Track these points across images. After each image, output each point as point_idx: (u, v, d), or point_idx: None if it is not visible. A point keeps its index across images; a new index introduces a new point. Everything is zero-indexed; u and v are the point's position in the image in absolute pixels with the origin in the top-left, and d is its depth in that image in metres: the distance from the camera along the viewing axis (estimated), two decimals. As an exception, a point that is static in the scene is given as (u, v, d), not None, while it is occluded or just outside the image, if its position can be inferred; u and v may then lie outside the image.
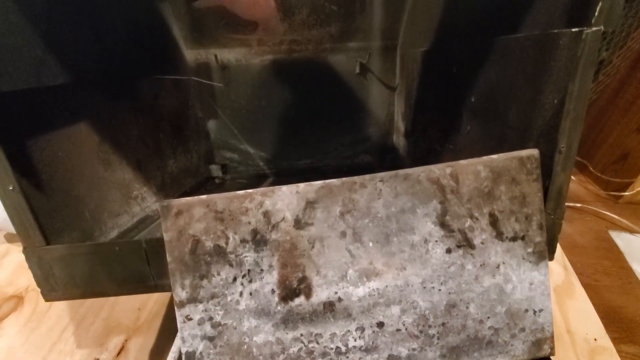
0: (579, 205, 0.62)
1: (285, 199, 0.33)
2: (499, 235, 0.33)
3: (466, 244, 0.33)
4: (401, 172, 0.34)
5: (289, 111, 0.66)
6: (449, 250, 0.33)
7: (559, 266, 0.52)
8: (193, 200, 0.32)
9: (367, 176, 0.34)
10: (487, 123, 0.43)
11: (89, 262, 0.37)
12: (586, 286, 0.49)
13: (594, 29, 0.29)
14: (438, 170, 0.33)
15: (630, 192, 0.61)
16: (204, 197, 0.32)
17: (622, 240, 0.57)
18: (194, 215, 0.32)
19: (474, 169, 0.33)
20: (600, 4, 0.29)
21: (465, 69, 0.45)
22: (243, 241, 0.32)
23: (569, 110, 0.31)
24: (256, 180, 0.69)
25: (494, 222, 0.33)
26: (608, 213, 0.60)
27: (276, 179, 0.69)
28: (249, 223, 0.32)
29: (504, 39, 0.39)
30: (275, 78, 0.63)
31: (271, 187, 0.33)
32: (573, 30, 0.31)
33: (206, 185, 0.67)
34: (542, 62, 0.34)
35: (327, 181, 0.34)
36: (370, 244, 0.33)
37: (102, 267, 0.37)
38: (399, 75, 0.63)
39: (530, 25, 0.36)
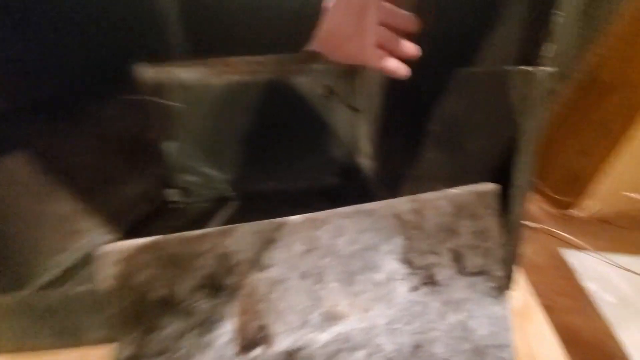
0: (533, 224, 0.65)
1: (243, 239, 0.31)
2: (462, 271, 0.33)
3: (430, 281, 0.32)
4: (365, 207, 0.33)
5: (253, 133, 0.64)
6: (413, 289, 0.32)
7: (518, 288, 0.54)
8: (137, 244, 0.29)
9: (329, 212, 0.33)
10: (449, 152, 0.44)
11: (19, 314, 0.32)
12: (545, 308, 0.50)
13: (545, 70, 0.30)
14: (401, 205, 0.33)
15: (579, 211, 0.65)
16: (150, 239, 0.30)
17: (575, 258, 0.60)
18: (138, 262, 0.29)
19: (436, 204, 0.32)
20: (550, 46, 0.30)
21: (427, 97, 0.46)
22: (196, 288, 0.30)
23: (523, 147, 0.32)
24: (219, 204, 0.65)
25: (456, 257, 0.33)
26: (560, 232, 0.63)
27: (240, 202, 0.66)
28: (203, 267, 0.30)
29: (463, 71, 0.40)
30: (239, 99, 0.61)
31: (228, 227, 0.31)
32: (525, 69, 0.32)
33: (164, 211, 0.62)
34: (497, 98, 0.35)
35: (288, 218, 0.32)
36: (333, 284, 0.32)
37: (34, 319, 0.33)
38: (363, 97, 0.63)
39: (486, 60, 0.37)
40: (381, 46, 0.36)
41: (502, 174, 0.36)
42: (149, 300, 0.29)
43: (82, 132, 0.47)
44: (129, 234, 0.56)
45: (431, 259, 0.32)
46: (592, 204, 0.64)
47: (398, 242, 0.32)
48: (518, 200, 0.34)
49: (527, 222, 0.67)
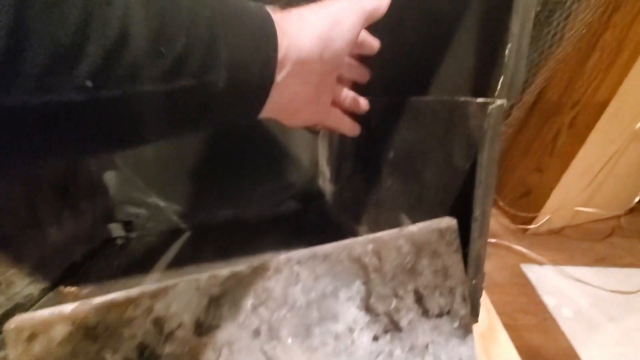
0: (493, 240, 0.66)
1: (182, 299, 0.27)
2: (425, 313, 0.31)
3: (393, 327, 0.30)
4: (320, 251, 0.30)
5: (206, 159, 0.59)
6: (375, 338, 0.30)
7: (483, 309, 0.53)
8: (52, 317, 0.25)
9: (282, 258, 0.30)
10: (406, 180, 0.42)
11: None
12: (507, 327, 0.50)
13: (498, 103, 0.29)
14: (359, 247, 0.30)
15: (535, 225, 0.67)
16: (67, 310, 0.25)
17: (533, 273, 0.61)
18: (54, 337, 0.24)
19: (395, 244, 0.30)
20: (502, 78, 0.29)
21: (382, 124, 0.45)
22: (125, 362, 0.25)
23: (480, 180, 0.31)
24: (169, 236, 0.60)
25: (419, 299, 0.31)
26: (519, 247, 0.64)
27: (193, 233, 0.61)
28: (134, 336, 0.26)
29: (416, 100, 0.39)
30: (187, 124, 0.56)
31: (164, 285, 0.27)
32: (478, 100, 0.31)
33: (105, 249, 0.56)
34: (452, 128, 0.34)
35: (234, 270, 0.28)
36: (289, 340, 0.29)
37: None
38: (322, 119, 0.61)
39: (439, 89, 0.37)
40: (335, 104, 0.35)
41: (460, 204, 0.35)
42: (66, 384, 0.24)
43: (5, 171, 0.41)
44: (66, 278, 0.49)
45: (393, 303, 0.30)
46: (546, 218, 0.66)
47: (358, 288, 0.30)
48: (478, 232, 0.33)
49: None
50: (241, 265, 0.29)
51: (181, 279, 0.28)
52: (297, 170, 0.64)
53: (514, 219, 0.72)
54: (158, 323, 0.26)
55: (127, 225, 0.59)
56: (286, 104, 0.28)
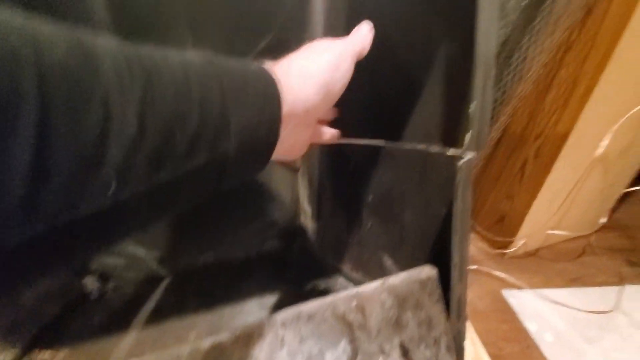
0: (474, 267, 0.68)
1: (160, 378, 0.26)
2: (412, 367, 0.31)
3: (381, 384, 0.30)
4: (304, 311, 0.30)
5: (184, 202, 0.58)
6: (364, 398, 0.29)
7: (468, 340, 0.54)
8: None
9: (265, 322, 0.29)
10: (386, 222, 0.43)
11: None
12: (492, 356, 0.51)
13: (468, 157, 0.31)
14: (343, 304, 0.30)
15: (512, 250, 0.69)
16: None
17: (514, 298, 0.63)
18: None
19: (379, 298, 0.31)
20: (469, 133, 0.31)
21: (360, 167, 0.46)
22: None
23: (456, 229, 0.32)
24: (148, 285, 0.58)
25: (405, 353, 0.31)
26: (498, 272, 0.66)
27: (173, 279, 0.59)
28: None
29: (392, 146, 0.40)
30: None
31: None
32: (448, 154, 0.32)
33: (78, 304, 0.53)
34: (426, 176, 0.36)
35: (217, 340, 0.28)
36: (277, 409, 0.28)
37: None
38: (300, 158, 0.62)
39: (412, 135, 0.38)
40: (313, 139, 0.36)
41: (439, 246, 0.36)
42: None
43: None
44: (39, 341, 0.46)
45: (380, 359, 0.30)
46: (522, 242, 0.69)
47: (344, 347, 0.30)
48: (457, 277, 0.34)
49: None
50: (223, 334, 0.28)
51: (160, 354, 0.27)
52: (278, 208, 0.64)
53: (492, 243, 0.74)
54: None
55: (103, 276, 0.57)
56: (289, 147, 0.29)
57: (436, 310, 0.32)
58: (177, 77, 0.18)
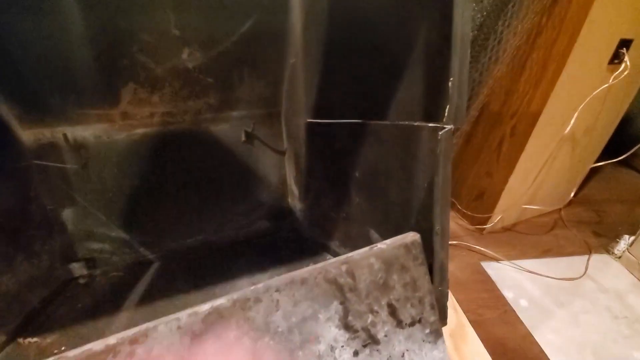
0: (455, 242, 0.71)
1: (164, 341, 0.27)
2: (399, 324, 0.33)
3: (371, 340, 0.32)
4: (297, 276, 0.31)
5: (171, 187, 0.58)
6: (356, 353, 0.31)
7: (450, 309, 0.57)
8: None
9: (260, 288, 0.30)
10: (372, 198, 0.45)
11: None
12: (473, 323, 0.54)
13: (447, 128, 0.32)
14: (334, 269, 0.32)
15: (490, 225, 0.72)
16: (43, 367, 0.24)
17: (492, 269, 0.67)
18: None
19: (367, 263, 0.33)
20: (447, 107, 0.32)
21: (347, 146, 0.47)
22: (108, 413, 0.25)
23: (437, 198, 0.34)
24: (137, 269, 0.58)
25: (392, 312, 0.33)
26: (477, 247, 0.70)
27: (162, 263, 0.60)
28: (116, 385, 0.25)
29: (376, 124, 0.41)
30: (149, 153, 0.55)
31: (144, 328, 0.27)
32: (430, 125, 0.34)
33: (66, 290, 0.53)
34: (410, 150, 0.37)
35: (215, 304, 0.29)
36: (274, 366, 0.30)
37: None
38: (286, 140, 0.63)
39: (395, 114, 0.40)
40: None
41: (424, 219, 0.38)
42: None
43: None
44: (25, 328, 0.46)
45: (369, 318, 0.32)
46: (499, 217, 0.73)
47: (335, 308, 0.31)
48: (439, 244, 0.36)
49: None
50: (221, 299, 0.29)
51: (161, 320, 0.28)
52: (266, 190, 0.65)
53: (471, 220, 0.78)
54: (140, 368, 0.26)
55: (90, 262, 0.56)
56: None
57: (420, 272, 0.34)
58: None
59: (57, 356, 0.25)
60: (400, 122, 0.38)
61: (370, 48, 0.41)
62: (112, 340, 0.26)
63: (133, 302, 0.50)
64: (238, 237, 0.65)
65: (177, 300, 0.50)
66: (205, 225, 0.62)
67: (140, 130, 0.54)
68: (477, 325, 0.55)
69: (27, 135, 0.49)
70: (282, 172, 0.65)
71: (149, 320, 0.27)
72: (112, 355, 0.25)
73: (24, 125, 0.48)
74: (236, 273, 0.55)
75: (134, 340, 0.26)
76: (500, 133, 0.67)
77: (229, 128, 0.59)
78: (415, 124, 0.36)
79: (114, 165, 0.54)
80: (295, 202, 0.65)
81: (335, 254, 0.56)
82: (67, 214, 0.53)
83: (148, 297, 0.51)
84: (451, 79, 0.31)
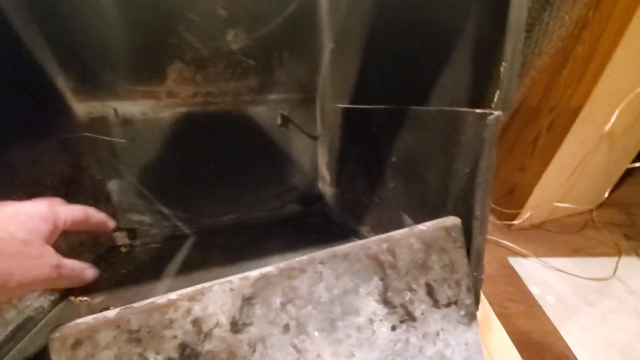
0: (482, 236, 0.71)
1: (217, 300, 0.29)
2: (436, 304, 0.34)
3: (408, 317, 0.33)
4: (340, 251, 0.33)
5: (208, 165, 0.61)
6: (393, 328, 0.33)
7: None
8: (97, 322, 0.26)
9: (305, 259, 0.32)
10: (409, 182, 0.46)
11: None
12: (499, 315, 0.54)
13: (495, 114, 0.33)
14: (375, 246, 0.33)
15: (519, 221, 0.72)
16: (112, 315, 0.26)
17: (519, 265, 0.66)
18: (99, 342, 0.26)
19: (407, 242, 0.34)
20: (497, 92, 0.33)
21: (384, 131, 0.48)
22: (168, 361, 0.27)
23: (480, 183, 0.35)
24: (174, 242, 0.61)
25: (430, 291, 0.34)
26: (505, 242, 0.69)
27: (198, 238, 0.62)
28: (175, 337, 0.27)
29: (417, 109, 0.42)
30: (190, 132, 0.58)
31: (200, 287, 0.29)
32: (477, 111, 0.34)
33: (109, 256, 0.56)
34: (453, 135, 0.38)
35: (263, 271, 0.31)
36: (316, 334, 0.31)
37: None
38: (320, 125, 0.64)
39: (438, 99, 0.40)
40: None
41: (463, 205, 0.39)
42: (114, 385, 0.25)
43: (4, 184, 0.41)
44: (74, 288, 0.49)
45: (408, 295, 0.33)
46: (528, 214, 0.72)
47: (376, 283, 0.33)
48: (478, 229, 0.37)
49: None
50: (269, 267, 0.31)
51: (215, 281, 0.30)
52: (298, 174, 0.66)
53: (499, 215, 0.77)
54: (197, 323, 0.28)
55: (131, 232, 0.59)
56: None
57: (459, 255, 0.35)
58: None
59: (124, 306, 0.27)
60: (445, 108, 0.38)
61: (416, 31, 0.42)
62: (173, 296, 0.28)
63: (172, 271, 0.53)
64: (269, 219, 0.67)
65: (213, 272, 0.52)
66: (238, 205, 0.64)
67: (183, 109, 0.56)
68: (503, 317, 0.55)
69: (80, 107, 0.51)
70: (315, 157, 0.66)
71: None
72: (173, 310, 0.28)
73: (77, 98, 0.51)
74: (268, 252, 0.57)
75: (192, 298, 0.28)
76: (536, 128, 0.66)
77: (266, 111, 0.61)
78: (462, 109, 0.36)
79: (157, 141, 0.56)
80: (325, 187, 0.67)
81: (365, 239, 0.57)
82: (113, 186, 0.56)
83: (186, 268, 0.53)
84: (503, 63, 0.31)
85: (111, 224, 0.38)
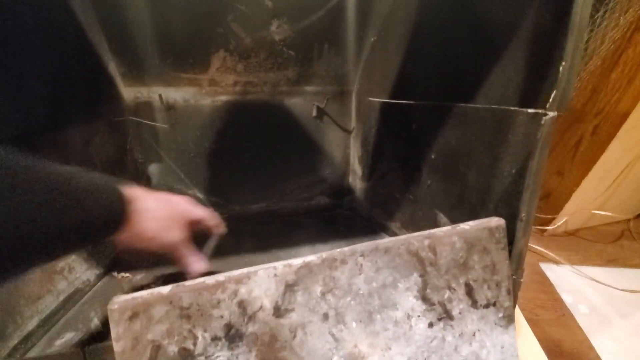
0: (513, 239, 0.69)
1: (262, 285, 0.30)
2: (474, 304, 0.34)
3: (446, 315, 0.33)
4: (381, 245, 0.33)
5: (243, 154, 0.62)
6: (430, 325, 0.33)
7: (506, 303, 0.57)
8: (152, 297, 0.27)
9: (347, 251, 0.32)
10: (447, 180, 0.45)
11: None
12: (530, 321, 0.53)
13: (551, 115, 0.32)
14: (417, 242, 0.33)
15: (553, 227, 0.70)
16: (165, 291, 0.28)
17: (551, 272, 0.65)
18: (153, 316, 0.27)
19: (449, 240, 0.33)
20: (554, 92, 0.32)
21: (425, 127, 0.47)
22: (215, 339, 0.28)
23: (528, 184, 0.34)
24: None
25: (469, 291, 0.34)
26: (538, 247, 0.68)
27: (230, 224, 0.64)
28: (222, 317, 0.28)
29: (463, 106, 0.41)
30: (228, 120, 0.59)
31: (246, 271, 0.30)
32: (529, 111, 0.34)
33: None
34: (500, 134, 0.37)
35: (306, 260, 0.31)
36: (354, 324, 0.32)
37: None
38: (355, 119, 0.64)
39: (485, 97, 0.39)
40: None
41: (505, 206, 0.38)
42: (165, 355, 0.27)
43: (61, 160, 0.43)
44: (115, 265, 0.52)
45: (447, 294, 0.33)
46: (563, 220, 0.70)
47: (415, 279, 0.33)
48: (522, 232, 0.36)
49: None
50: (312, 256, 0.31)
51: (260, 266, 0.30)
52: (329, 167, 0.66)
53: (534, 221, 0.75)
54: (242, 305, 0.29)
55: (167, 215, 0.61)
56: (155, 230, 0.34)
57: (501, 257, 0.34)
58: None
59: (175, 284, 0.28)
60: (493, 106, 0.38)
61: (466, 27, 0.41)
62: (221, 277, 0.29)
63: (205, 254, 0.54)
64: (298, 209, 0.68)
65: (245, 257, 0.53)
66: (269, 193, 0.66)
67: (223, 97, 0.57)
68: (533, 324, 0.54)
69: (128, 92, 0.53)
70: (347, 150, 0.66)
71: (222, 271, 0.30)
72: (221, 290, 0.29)
73: (126, 83, 0.53)
74: (297, 241, 0.58)
75: (238, 280, 0.29)
76: (579, 131, 0.64)
77: (302, 102, 0.61)
78: (512, 108, 0.35)
79: (197, 128, 0.58)
80: (356, 181, 0.67)
81: (395, 235, 0.57)
82: (153, 169, 0.58)
83: (218, 252, 0.55)
84: (563, 63, 0.30)
85: (223, 228, 0.46)
